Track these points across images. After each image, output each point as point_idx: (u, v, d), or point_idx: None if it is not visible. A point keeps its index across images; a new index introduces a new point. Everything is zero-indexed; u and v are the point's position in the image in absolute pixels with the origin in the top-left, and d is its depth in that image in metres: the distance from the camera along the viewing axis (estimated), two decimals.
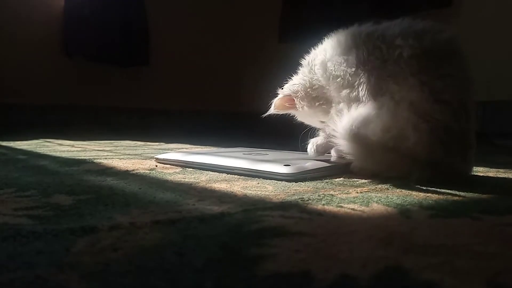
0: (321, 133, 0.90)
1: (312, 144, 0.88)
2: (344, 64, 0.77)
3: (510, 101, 2.04)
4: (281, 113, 0.92)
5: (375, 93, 0.72)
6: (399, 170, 0.72)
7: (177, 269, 0.30)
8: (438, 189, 0.66)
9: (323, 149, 0.88)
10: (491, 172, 0.91)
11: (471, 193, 0.64)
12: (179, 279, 0.28)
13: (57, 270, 0.31)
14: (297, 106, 0.89)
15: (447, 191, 0.65)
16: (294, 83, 0.90)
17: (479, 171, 0.91)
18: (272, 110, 0.91)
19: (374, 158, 0.74)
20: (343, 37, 0.80)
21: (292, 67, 0.93)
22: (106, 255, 0.34)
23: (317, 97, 0.86)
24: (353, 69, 0.75)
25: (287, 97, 0.89)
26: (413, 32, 0.72)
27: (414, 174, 0.70)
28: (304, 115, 0.91)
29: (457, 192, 0.64)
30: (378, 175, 0.74)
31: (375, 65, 0.73)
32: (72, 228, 0.41)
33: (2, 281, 0.28)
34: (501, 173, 0.90)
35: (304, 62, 0.91)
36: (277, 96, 0.91)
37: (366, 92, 0.73)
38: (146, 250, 0.35)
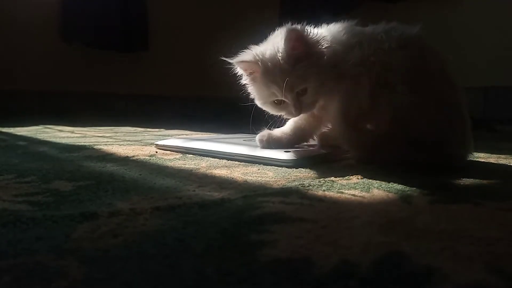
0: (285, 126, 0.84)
1: (262, 136, 0.82)
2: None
3: (511, 87, 2.02)
4: (240, 71, 0.80)
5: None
6: (396, 155, 0.72)
7: (178, 254, 0.30)
8: (439, 175, 0.65)
9: (273, 143, 0.82)
10: (492, 158, 0.91)
11: (472, 179, 0.64)
12: (180, 265, 0.28)
13: (57, 256, 0.30)
14: (256, 75, 0.77)
15: (448, 177, 0.65)
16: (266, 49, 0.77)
17: (480, 157, 0.90)
18: (235, 61, 0.77)
19: (374, 146, 0.74)
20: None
21: None
22: (106, 241, 0.34)
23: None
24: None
25: (251, 63, 0.77)
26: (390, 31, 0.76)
27: (413, 159, 0.70)
28: (259, 88, 0.78)
29: (458, 178, 0.64)
30: (377, 162, 0.74)
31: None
32: (72, 214, 0.40)
33: (2, 267, 0.28)
34: (502, 159, 0.90)
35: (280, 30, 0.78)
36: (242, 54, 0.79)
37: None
38: (146, 236, 0.35)
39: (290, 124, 0.86)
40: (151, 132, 1.51)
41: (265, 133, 0.84)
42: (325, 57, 0.74)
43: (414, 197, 0.51)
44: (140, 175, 0.63)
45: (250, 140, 0.95)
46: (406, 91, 0.70)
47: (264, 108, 0.81)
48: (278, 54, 0.74)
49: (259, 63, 0.76)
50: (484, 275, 0.27)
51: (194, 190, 0.52)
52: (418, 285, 0.26)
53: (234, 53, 0.79)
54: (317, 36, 0.75)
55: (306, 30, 0.75)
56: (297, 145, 0.86)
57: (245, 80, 0.82)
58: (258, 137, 0.83)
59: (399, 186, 0.57)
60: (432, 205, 0.48)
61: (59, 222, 0.38)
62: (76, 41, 2.60)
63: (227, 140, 0.96)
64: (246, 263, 0.29)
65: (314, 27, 0.80)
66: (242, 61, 0.78)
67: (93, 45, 2.66)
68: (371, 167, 0.72)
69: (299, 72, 0.73)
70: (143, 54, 2.91)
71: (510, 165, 0.83)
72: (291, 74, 0.73)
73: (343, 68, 0.74)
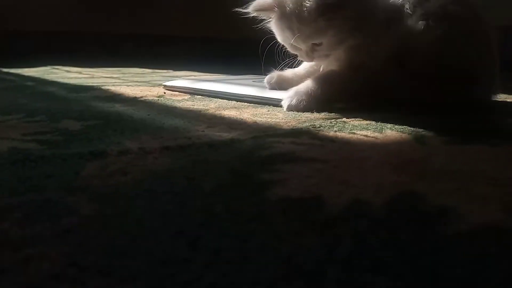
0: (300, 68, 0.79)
1: (270, 78, 0.79)
2: None
3: None
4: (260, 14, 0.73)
5: None
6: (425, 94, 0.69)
7: (187, 193, 0.30)
8: (458, 115, 0.63)
9: (282, 84, 0.78)
10: (510, 98, 0.88)
11: (489, 119, 0.62)
12: (189, 203, 0.28)
13: (66, 193, 0.30)
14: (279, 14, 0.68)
15: (467, 117, 0.63)
16: None
17: (500, 97, 0.87)
18: (252, 9, 0.71)
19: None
20: None
21: None
22: (116, 178, 0.33)
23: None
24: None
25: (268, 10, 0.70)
26: None
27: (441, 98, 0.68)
28: (284, 20, 0.69)
29: (475, 118, 0.62)
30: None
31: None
32: (81, 153, 0.40)
33: (12, 203, 0.28)
34: None
35: None
36: None
37: None
38: (156, 174, 0.34)
39: (304, 65, 0.82)
40: (159, 73, 1.48)
41: (273, 74, 0.80)
42: (357, 13, 0.66)
43: (428, 138, 0.50)
44: (149, 115, 0.62)
45: (260, 81, 0.92)
46: (437, 25, 0.67)
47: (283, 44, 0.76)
48: (304, 1, 0.65)
49: (278, 9, 0.69)
50: (500, 216, 0.26)
51: (203, 131, 0.52)
52: (431, 225, 0.25)
53: None
54: None
55: None
56: None
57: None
58: (267, 78, 0.80)
59: (413, 127, 0.56)
60: (447, 145, 0.47)
61: (68, 160, 0.38)
62: None
63: (236, 81, 0.94)
64: (255, 202, 0.28)
65: None
66: (259, 9, 0.71)
67: None
68: (384, 108, 0.70)
69: (320, 24, 0.65)
70: None
71: None
72: (310, 26, 0.66)
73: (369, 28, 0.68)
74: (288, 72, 0.81)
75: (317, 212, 0.27)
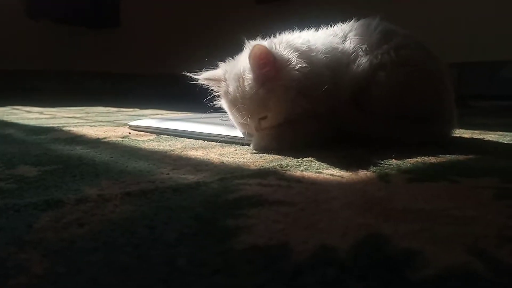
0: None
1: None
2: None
3: (485, 63, 2.05)
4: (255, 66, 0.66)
5: None
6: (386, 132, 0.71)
7: (148, 244, 0.29)
8: (415, 152, 0.65)
9: None
10: (467, 134, 0.92)
11: (447, 155, 0.64)
12: (150, 256, 0.27)
13: (17, 248, 0.28)
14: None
15: (424, 153, 0.64)
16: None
17: (455, 132, 0.91)
18: (202, 77, 0.73)
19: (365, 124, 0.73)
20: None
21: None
22: (71, 231, 0.31)
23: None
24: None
25: (267, 51, 0.64)
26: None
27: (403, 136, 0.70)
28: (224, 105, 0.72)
29: (434, 154, 0.64)
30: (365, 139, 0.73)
31: None
32: (35, 203, 0.38)
33: None
34: (477, 135, 0.91)
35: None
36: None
37: None
38: (115, 224, 0.33)
39: None
40: (125, 112, 1.46)
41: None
42: (295, 80, 0.64)
43: (392, 176, 0.51)
44: (112, 158, 0.60)
45: (228, 120, 0.92)
46: (398, 70, 0.69)
47: None
48: (243, 74, 0.66)
49: (224, 82, 0.70)
50: (465, 258, 0.26)
51: (168, 173, 0.50)
52: (399, 271, 0.25)
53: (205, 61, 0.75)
54: (288, 54, 0.66)
55: (274, 46, 0.66)
56: None
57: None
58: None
59: (377, 165, 0.57)
60: (409, 183, 0.48)
61: (22, 211, 0.36)
62: (43, 17, 2.48)
63: (203, 119, 0.93)
64: (221, 252, 0.27)
65: (300, 31, 0.74)
66: (207, 79, 0.73)
67: (61, 21, 2.55)
68: (348, 145, 0.72)
69: (261, 96, 0.64)
70: (115, 31, 2.80)
71: (484, 141, 0.84)
72: (251, 99, 0.65)
73: (313, 96, 0.66)
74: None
75: (283, 260, 0.26)
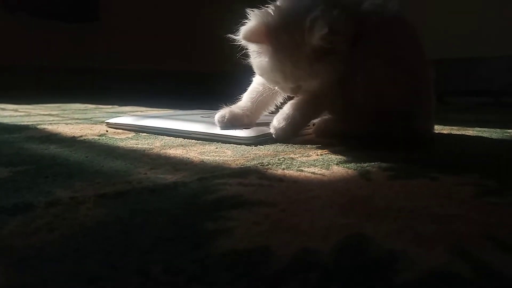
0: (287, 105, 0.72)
1: (221, 117, 0.73)
2: None
3: (462, 59, 2.09)
4: (251, 46, 0.67)
5: None
6: (367, 128, 0.71)
7: (121, 251, 0.27)
8: (396, 149, 0.65)
9: (234, 122, 0.73)
10: (445, 130, 0.93)
11: (427, 152, 0.65)
12: (122, 264, 0.25)
13: None
14: (273, 45, 0.63)
15: (405, 150, 0.65)
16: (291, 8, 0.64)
17: (435, 128, 0.92)
18: (240, 38, 0.65)
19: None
20: None
21: None
22: (41, 236, 0.30)
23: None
24: None
25: (263, 28, 0.63)
26: None
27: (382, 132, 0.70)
28: (277, 63, 0.64)
29: (414, 152, 0.64)
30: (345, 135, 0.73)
31: None
32: (4, 206, 0.36)
33: None
34: (455, 131, 0.92)
35: None
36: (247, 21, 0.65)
37: None
38: (87, 229, 0.31)
39: (248, 96, 0.77)
40: (103, 109, 1.43)
41: (225, 112, 0.74)
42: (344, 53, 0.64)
43: (373, 173, 0.51)
44: (87, 157, 0.58)
45: (209, 117, 0.91)
46: (382, 63, 0.67)
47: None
48: (298, 37, 0.61)
49: (272, 39, 0.63)
50: (447, 258, 0.26)
51: (145, 173, 0.49)
52: (382, 273, 0.24)
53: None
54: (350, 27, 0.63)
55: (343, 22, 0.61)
56: (259, 119, 0.79)
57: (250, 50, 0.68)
58: (218, 117, 0.74)
59: (358, 162, 0.56)
60: (391, 181, 0.48)
61: None
62: (19, 10, 2.39)
63: (183, 117, 0.92)
64: (198, 258, 0.26)
65: None
66: (250, 39, 0.65)
67: (37, 15, 2.47)
68: (330, 143, 0.71)
69: (315, 69, 0.63)
70: (93, 25, 2.73)
71: (462, 137, 0.85)
72: (304, 70, 0.63)
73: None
74: (236, 108, 0.77)
75: (264, 266, 0.25)
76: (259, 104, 0.77)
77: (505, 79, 2.03)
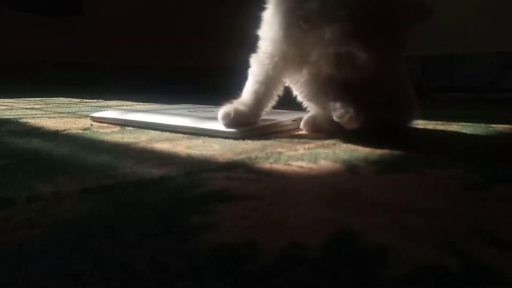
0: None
1: (228, 111, 0.69)
2: None
3: (447, 55, 2.11)
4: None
5: None
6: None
7: (105, 247, 0.26)
8: (381, 143, 0.66)
9: (240, 121, 0.70)
10: (430, 125, 0.94)
11: (413, 146, 0.65)
12: (106, 260, 0.25)
13: None
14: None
15: (390, 144, 0.65)
16: None
17: (419, 123, 0.93)
18: None
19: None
20: None
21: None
22: (20, 233, 0.29)
23: None
24: None
25: None
26: None
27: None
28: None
29: (400, 146, 0.64)
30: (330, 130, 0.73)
31: None
32: None
33: None
34: (440, 125, 0.93)
35: None
36: None
37: None
38: (70, 225, 0.30)
39: (250, 91, 0.73)
40: (87, 103, 1.40)
41: (229, 109, 0.69)
42: None
43: (360, 167, 0.51)
44: (70, 151, 0.57)
45: (195, 111, 0.90)
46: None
47: None
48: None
49: None
50: (436, 253, 0.26)
51: (131, 168, 0.48)
52: (371, 268, 0.24)
53: None
54: None
55: None
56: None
57: None
58: (222, 114, 0.69)
59: (345, 156, 0.56)
60: (378, 175, 0.48)
61: None
62: (0, 4, 2.33)
63: (170, 111, 0.90)
64: (184, 253, 0.26)
65: None
66: None
67: (18, 8, 2.41)
68: (317, 137, 0.71)
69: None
70: (76, 19, 2.68)
71: (447, 132, 0.86)
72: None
73: None
74: (241, 106, 0.71)
75: (251, 261, 0.25)
76: (263, 98, 0.73)
77: (488, 76, 2.06)
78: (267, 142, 0.66)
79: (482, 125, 0.94)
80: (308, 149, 0.61)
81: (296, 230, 0.29)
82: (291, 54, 0.69)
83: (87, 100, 1.51)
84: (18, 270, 0.24)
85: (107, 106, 1.29)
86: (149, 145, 0.62)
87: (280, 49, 0.69)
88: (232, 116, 0.69)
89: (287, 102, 0.76)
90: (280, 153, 0.58)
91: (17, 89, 1.94)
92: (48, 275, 0.23)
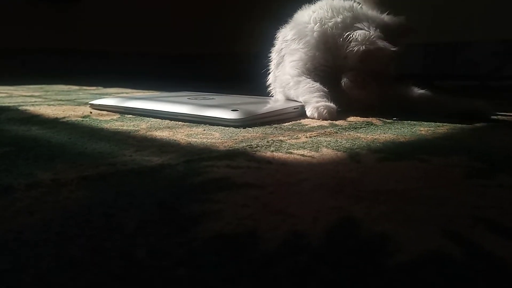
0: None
1: (323, 107, 0.77)
2: None
3: (449, 43, 2.09)
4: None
5: None
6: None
7: (104, 235, 0.26)
8: (383, 131, 0.65)
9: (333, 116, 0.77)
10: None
11: (415, 134, 0.65)
12: (106, 248, 0.24)
13: None
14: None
15: (392, 132, 0.64)
16: None
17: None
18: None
19: None
20: None
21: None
22: (20, 220, 0.29)
23: None
24: None
25: None
26: None
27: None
28: None
29: (402, 133, 0.64)
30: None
31: None
32: None
33: None
34: None
35: None
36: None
37: None
38: (69, 212, 0.30)
39: (311, 89, 0.83)
40: (87, 91, 1.39)
41: (320, 104, 0.78)
42: None
43: (362, 155, 0.50)
44: (70, 139, 0.56)
45: (196, 99, 0.89)
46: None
47: None
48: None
49: None
50: (439, 241, 0.26)
51: (130, 155, 0.48)
52: (373, 257, 0.24)
53: None
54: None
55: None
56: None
57: None
58: (318, 109, 0.78)
59: (347, 144, 0.56)
60: (380, 163, 0.47)
61: None
62: None
63: (170, 98, 0.90)
64: (184, 241, 0.25)
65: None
66: None
67: None
68: (319, 125, 0.71)
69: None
70: (75, 4, 2.65)
71: (449, 119, 0.85)
72: None
73: None
74: (327, 101, 0.80)
75: (252, 249, 0.24)
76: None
77: (491, 63, 2.04)
78: (268, 130, 0.66)
79: None
80: (310, 137, 0.61)
81: (297, 218, 0.29)
82: None
83: (86, 88, 1.50)
84: (18, 257, 0.23)
85: (106, 94, 1.29)
86: (149, 133, 0.62)
87: None
88: (326, 111, 0.77)
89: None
90: (281, 141, 0.57)
91: (16, 76, 1.93)
92: (47, 262, 0.23)
